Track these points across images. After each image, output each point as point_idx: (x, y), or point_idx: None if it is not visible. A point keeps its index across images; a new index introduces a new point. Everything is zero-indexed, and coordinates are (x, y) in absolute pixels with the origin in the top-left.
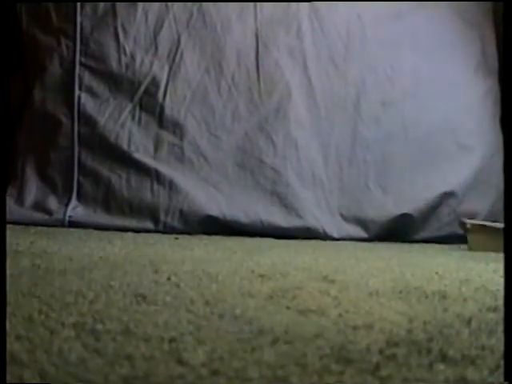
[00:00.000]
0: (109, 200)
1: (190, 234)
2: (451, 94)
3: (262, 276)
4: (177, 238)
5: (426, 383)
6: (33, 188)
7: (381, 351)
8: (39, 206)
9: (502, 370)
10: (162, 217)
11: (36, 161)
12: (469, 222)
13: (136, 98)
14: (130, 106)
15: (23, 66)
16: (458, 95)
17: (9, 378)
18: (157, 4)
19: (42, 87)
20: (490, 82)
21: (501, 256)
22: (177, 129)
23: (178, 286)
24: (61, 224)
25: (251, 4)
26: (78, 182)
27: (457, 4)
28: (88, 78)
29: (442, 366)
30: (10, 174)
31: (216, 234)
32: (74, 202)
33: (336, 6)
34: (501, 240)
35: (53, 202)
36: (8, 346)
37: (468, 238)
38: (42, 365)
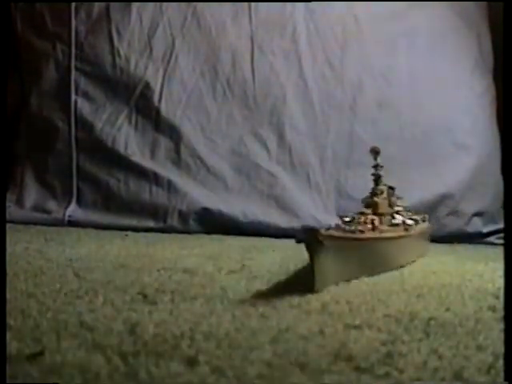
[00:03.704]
0: (108, 203)
1: (189, 233)
2: (448, 94)
3: (261, 275)
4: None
5: (422, 381)
6: (32, 193)
7: (377, 349)
8: (39, 208)
9: (499, 370)
10: (162, 217)
11: (34, 166)
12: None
13: (132, 102)
14: (126, 110)
15: (19, 72)
16: (456, 95)
17: (9, 378)
18: (151, 7)
19: (38, 93)
20: (487, 81)
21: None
22: (173, 132)
23: (178, 284)
24: (60, 223)
25: (246, 7)
26: (77, 186)
27: (453, 3)
28: (84, 83)
29: (438, 363)
30: (9, 179)
31: (215, 233)
32: (73, 205)
33: (332, 7)
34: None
35: (53, 205)
36: (8, 345)
37: (316, 259)
38: (42, 364)
